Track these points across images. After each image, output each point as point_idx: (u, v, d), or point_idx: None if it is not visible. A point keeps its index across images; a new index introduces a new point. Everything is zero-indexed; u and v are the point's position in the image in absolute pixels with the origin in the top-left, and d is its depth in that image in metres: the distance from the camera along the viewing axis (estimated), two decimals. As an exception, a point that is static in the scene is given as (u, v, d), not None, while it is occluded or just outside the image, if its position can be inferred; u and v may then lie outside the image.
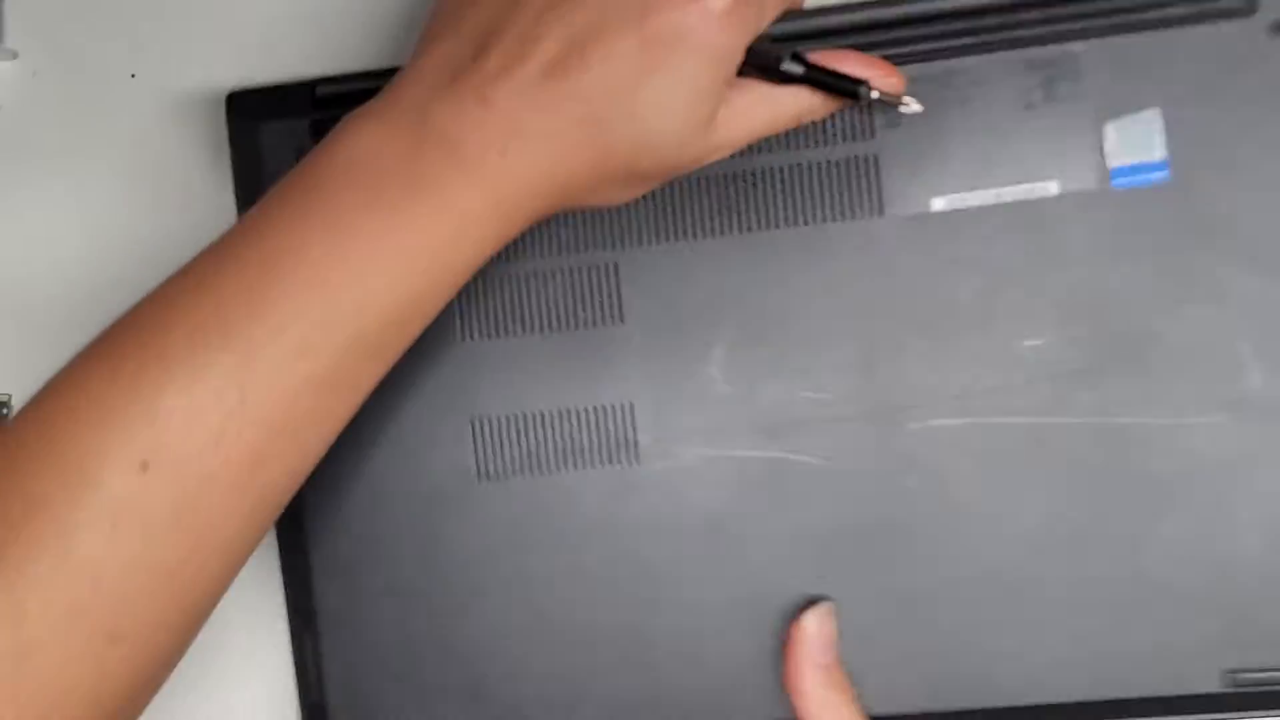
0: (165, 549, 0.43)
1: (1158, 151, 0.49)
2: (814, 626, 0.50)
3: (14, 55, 0.59)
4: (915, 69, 0.50)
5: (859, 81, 0.47)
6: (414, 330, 0.46)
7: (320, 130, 0.54)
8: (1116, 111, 0.49)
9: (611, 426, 0.53)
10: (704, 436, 0.52)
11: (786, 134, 0.51)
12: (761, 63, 0.47)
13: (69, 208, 0.59)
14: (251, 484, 0.44)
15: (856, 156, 0.51)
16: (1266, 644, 0.49)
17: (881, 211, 0.51)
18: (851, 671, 0.50)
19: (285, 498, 0.46)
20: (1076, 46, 0.49)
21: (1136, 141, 0.49)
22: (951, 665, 0.51)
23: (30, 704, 0.42)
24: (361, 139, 0.45)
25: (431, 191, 0.44)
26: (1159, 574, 0.49)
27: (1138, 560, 0.49)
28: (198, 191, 0.57)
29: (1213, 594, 0.49)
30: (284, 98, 0.55)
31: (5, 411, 0.58)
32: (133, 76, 0.58)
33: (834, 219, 0.51)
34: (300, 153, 0.54)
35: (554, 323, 0.53)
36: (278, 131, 0.55)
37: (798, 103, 0.48)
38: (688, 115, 0.45)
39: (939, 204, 0.50)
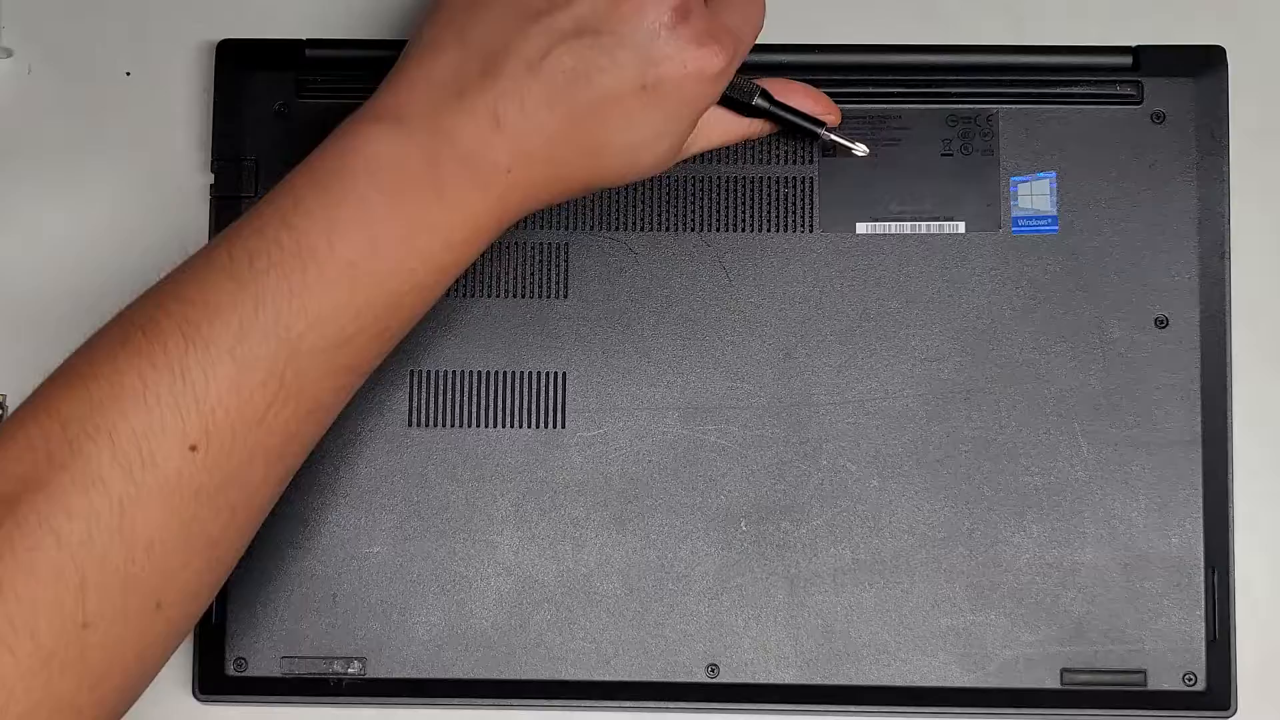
0: (209, 521, 0.46)
1: (1050, 208, 0.57)
2: None
3: (9, 53, 0.60)
4: (855, 108, 0.57)
5: (818, 123, 0.55)
6: (420, 315, 0.50)
7: (305, 88, 0.58)
8: (1020, 169, 0.57)
9: (543, 392, 0.57)
10: (628, 411, 0.57)
11: (737, 149, 0.57)
12: (735, 97, 0.53)
13: (65, 205, 0.60)
14: (285, 457, 0.48)
15: (796, 177, 0.57)
16: (1098, 648, 0.56)
17: (812, 229, 0.57)
18: (739, 640, 0.56)
19: (303, 460, 0.49)
20: (993, 109, 0.57)
21: (1035, 197, 0.57)
22: (825, 643, 0.56)
23: (90, 668, 0.44)
24: (381, 144, 0.48)
25: (450, 201, 0.48)
26: (1014, 575, 0.56)
27: (998, 561, 0.56)
28: (194, 188, 0.59)
29: (1057, 598, 0.56)
30: (273, 52, 0.58)
31: (1, 412, 0.58)
32: (128, 74, 0.61)
33: (770, 230, 0.57)
34: (282, 107, 0.58)
35: (502, 290, 0.57)
36: (263, 83, 0.58)
37: (751, 126, 0.55)
38: (672, 147, 0.51)
39: (863, 228, 0.57)
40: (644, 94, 0.49)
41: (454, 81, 0.49)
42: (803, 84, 0.55)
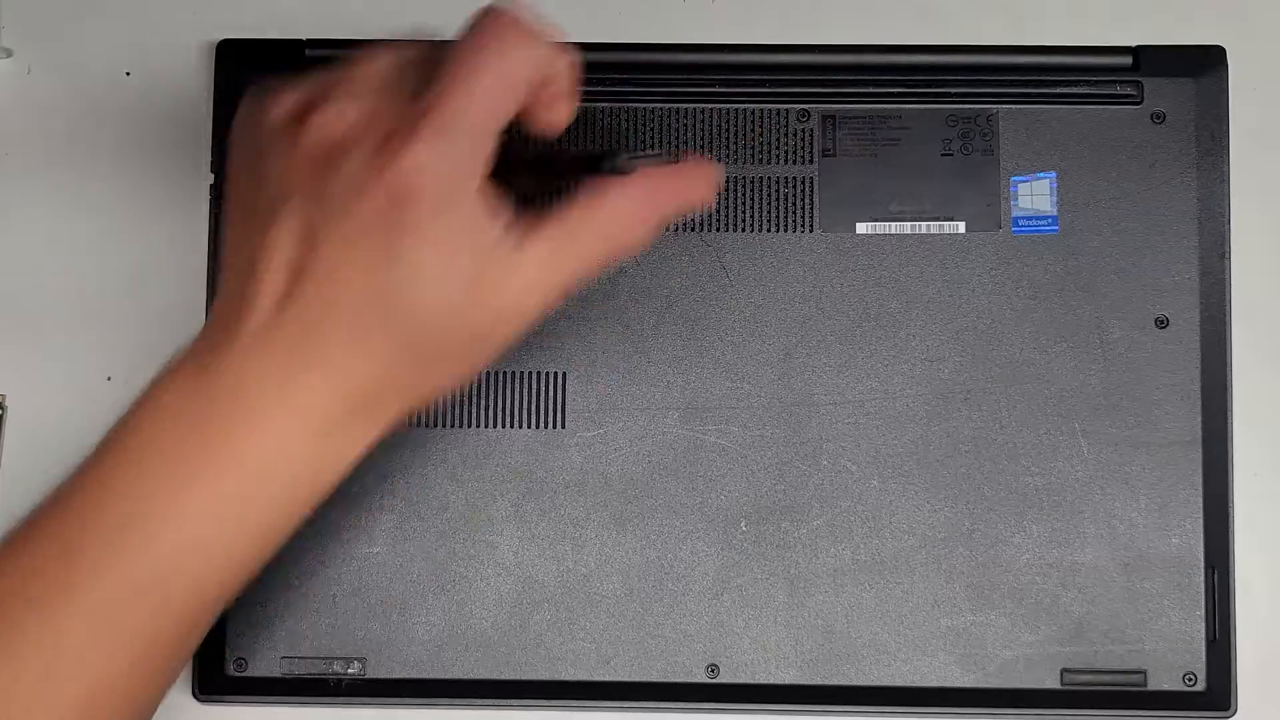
0: None
1: (1050, 208, 0.57)
2: None
3: (9, 53, 0.60)
4: (855, 108, 0.57)
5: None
6: (243, 576, 0.45)
7: (304, 87, 0.58)
8: (1020, 169, 0.57)
9: (543, 392, 0.57)
10: (627, 411, 0.57)
11: (735, 149, 0.57)
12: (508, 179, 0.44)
13: (65, 205, 0.60)
14: None
15: (796, 178, 0.57)
16: (1098, 648, 0.56)
17: (812, 228, 0.57)
18: (739, 641, 0.55)
19: None
20: (993, 109, 0.57)
21: (1035, 197, 0.57)
22: (825, 643, 0.56)
23: None
24: (158, 405, 0.44)
25: (228, 446, 0.43)
26: (1014, 575, 0.56)
27: (998, 561, 0.56)
28: (194, 188, 0.59)
29: (1057, 598, 0.56)
30: (273, 52, 0.58)
31: (1, 411, 0.58)
32: (127, 74, 0.61)
33: (770, 229, 0.57)
34: (281, 105, 0.58)
35: (502, 291, 0.57)
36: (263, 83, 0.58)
37: (607, 241, 0.45)
38: (442, 282, 0.42)
39: (863, 228, 0.57)
40: (367, 241, 0.42)
41: (221, 320, 0.44)
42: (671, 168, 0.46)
